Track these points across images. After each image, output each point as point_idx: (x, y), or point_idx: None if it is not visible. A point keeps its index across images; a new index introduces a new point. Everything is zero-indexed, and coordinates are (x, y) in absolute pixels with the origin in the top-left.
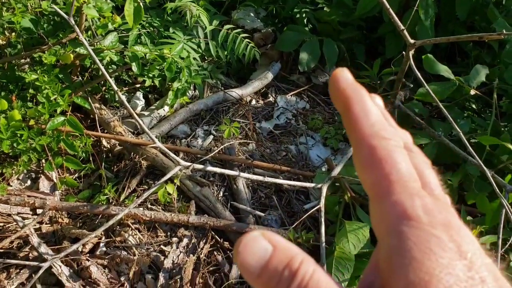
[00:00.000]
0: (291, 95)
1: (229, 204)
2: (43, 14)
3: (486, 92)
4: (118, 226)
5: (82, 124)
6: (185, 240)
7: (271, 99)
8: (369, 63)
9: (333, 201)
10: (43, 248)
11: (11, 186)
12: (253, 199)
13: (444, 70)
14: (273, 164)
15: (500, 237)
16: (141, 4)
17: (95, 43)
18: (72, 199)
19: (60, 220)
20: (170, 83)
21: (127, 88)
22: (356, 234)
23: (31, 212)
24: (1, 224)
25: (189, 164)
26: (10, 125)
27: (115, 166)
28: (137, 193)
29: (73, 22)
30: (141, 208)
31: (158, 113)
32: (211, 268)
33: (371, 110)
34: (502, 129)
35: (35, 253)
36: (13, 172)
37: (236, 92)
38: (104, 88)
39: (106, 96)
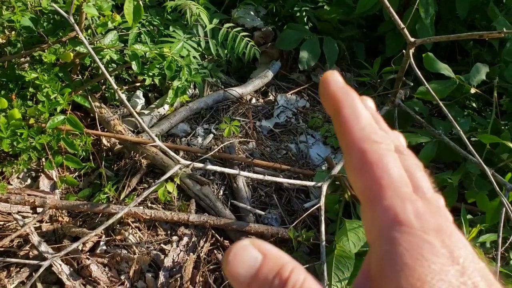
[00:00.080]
0: (291, 94)
1: (229, 203)
2: (43, 13)
3: (487, 91)
4: (118, 225)
5: (82, 122)
6: (185, 239)
7: (271, 97)
8: (369, 61)
9: (333, 200)
10: (43, 247)
11: (11, 184)
12: (253, 197)
13: (445, 69)
14: (273, 163)
15: (500, 236)
16: (140, 2)
17: (95, 42)
18: (72, 198)
19: (60, 218)
20: (170, 82)
21: (127, 87)
22: (356, 232)
23: (31, 211)
24: (1, 222)
25: (189, 162)
26: (10, 124)
27: (115, 165)
28: (137, 192)
29: (73, 20)
30: (141, 207)
31: (158, 112)
32: (211, 267)
33: (361, 113)
34: (502, 127)
35: (35, 252)
36: (13, 170)
37: (236, 91)
38: (104, 86)
39: (106, 94)
